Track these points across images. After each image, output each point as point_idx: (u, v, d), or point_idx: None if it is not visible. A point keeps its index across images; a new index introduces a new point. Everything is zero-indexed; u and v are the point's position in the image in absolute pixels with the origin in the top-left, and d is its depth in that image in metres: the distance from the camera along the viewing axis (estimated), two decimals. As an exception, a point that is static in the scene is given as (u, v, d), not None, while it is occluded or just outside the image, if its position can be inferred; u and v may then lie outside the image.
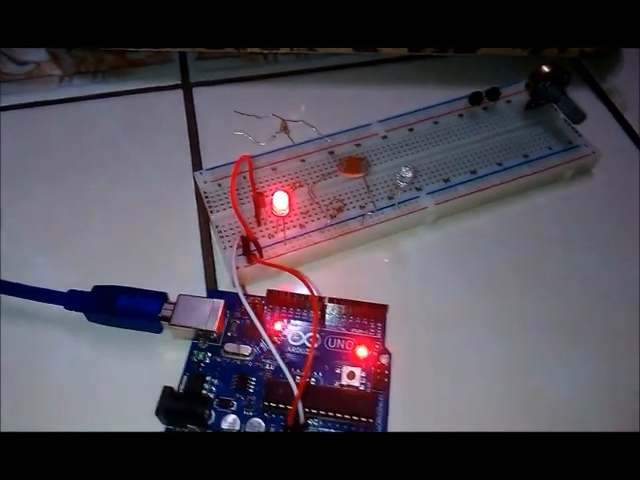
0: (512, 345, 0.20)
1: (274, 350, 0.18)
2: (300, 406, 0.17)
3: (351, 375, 0.19)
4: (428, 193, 0.23)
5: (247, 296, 0.20)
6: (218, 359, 0.19)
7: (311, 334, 0.20)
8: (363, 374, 0.19)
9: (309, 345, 0.19)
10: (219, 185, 0.23)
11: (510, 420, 0.18)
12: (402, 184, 0.21)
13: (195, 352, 0.19)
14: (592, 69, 0.30)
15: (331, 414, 0.18)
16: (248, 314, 0.19)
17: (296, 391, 0.17)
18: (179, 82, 0.28)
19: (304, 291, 0.20)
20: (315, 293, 0.19)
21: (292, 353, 0.19)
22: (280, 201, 0.20)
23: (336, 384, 0.19)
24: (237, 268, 0.20)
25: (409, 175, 0.21)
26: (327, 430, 0.18)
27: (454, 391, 0.19)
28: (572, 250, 0.23)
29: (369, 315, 0.20)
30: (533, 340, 0.20)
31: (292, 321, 0.20)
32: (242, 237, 0.20)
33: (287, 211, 0.21)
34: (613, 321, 0.21)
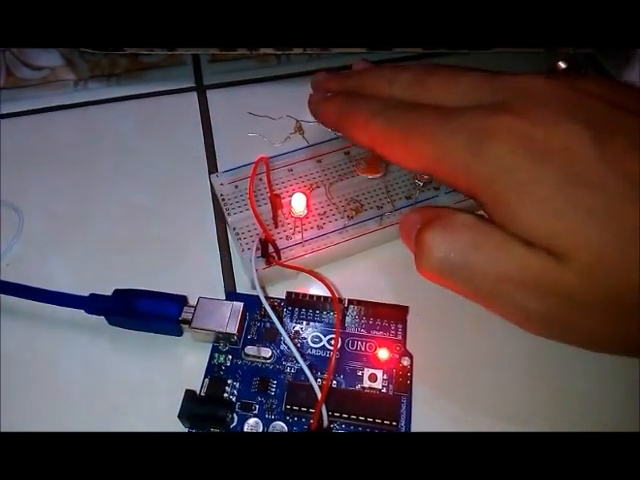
0: (535, 344, 0.20)
1: (296, 353, 0.18)
2: (324, 409, 0.17)
3: (373, 377, 0.19)
4: (446, 192, 0.23)
5: (267, 298, 0.20)
6: (239, 362, 0.19)
7: (331, 336, 0.19)
8: (385, 376, 0.19)
9: (329, 347, 0.19)
10: (236, 187, 0.23)
11: (534, 420, 0.18)
12: (420, 183, 0.21)
13: (216, 355, 0.19)
14: (608, 64, 0.30)
15: (354, 417, 0.17)
16: (267, 316, 0.19)
17: (319, 394, 0.17)
18: (193, 85, 0.28)
19: (322, 293, 0.20)
20: (336, 295, 0.19)
21: (312, 355, 0.19)
22: (299, 203, 0.20)
23: (358, 387, 0.18)
24: (256, 270, 0.20)
25: (427, 175, 0.21)
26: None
27: (477, 392, 0.19)
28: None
29: (390, 317, 0.20)
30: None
31: (312, 323, 0.20)
32: (260, 239, 0.20)
33: (305, 212, 0.20)
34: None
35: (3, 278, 0.20)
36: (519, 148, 0.15)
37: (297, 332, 0.20)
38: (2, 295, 0.20)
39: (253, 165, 0.22)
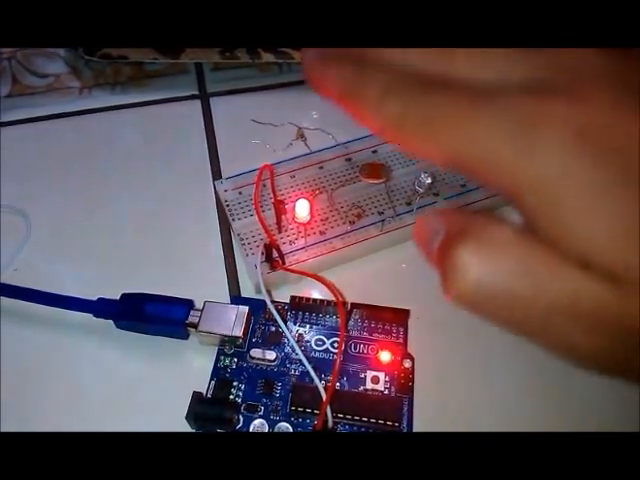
0: (534, 346, 0.20)
1: (302, 356, 0.18)
2: (329, 410, 0.17)
3: (375, 379, 0.19)
4: (445, 198, 0.23)
5: (271, 302, 0.20)
6: (244, 364, 0.19)
7: (334, 339, 0.20)
8: (387, 378, 0.19)
9: (332, 350, 0.20)
10: (240, 193, 0.23)
11: (535, 420, 0.19)
12: (421, 190, 0.22)
13: (221, 358, 0.20)
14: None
15: (357, 418, 0.18)
16: (272, 320, 0.20)
17: (324, 396, 0.17)
18: (196, 92, 0.29)
19: (325, 297, 0.20)
20: (340, 299, 0.20)
21: (316, 358, 0.20)
22: (302, 209, 0.21)
23: (361, 388, 0.19)
24: (262, 274, 0.20)
25: (428, 181, 0.21)
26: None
27: (477, 393, 0.19)
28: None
29: (391, 320, 0.20)
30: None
31: (315, 326, 0.20)
32: (265, 244, 0.21)
33: (309, 218, 0.21)
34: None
35: (12, 283, 0.21)
36: (579, 144, 0.12)
37: (301, 335, 0.20)
38: (11, 299, 0.20)
39: (257, 172, 0.23)
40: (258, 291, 0.21)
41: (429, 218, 0.16)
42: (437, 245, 0.14)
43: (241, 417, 0.18)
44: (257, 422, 0.18)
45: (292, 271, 0.21)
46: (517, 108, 0.13)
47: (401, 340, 0.20)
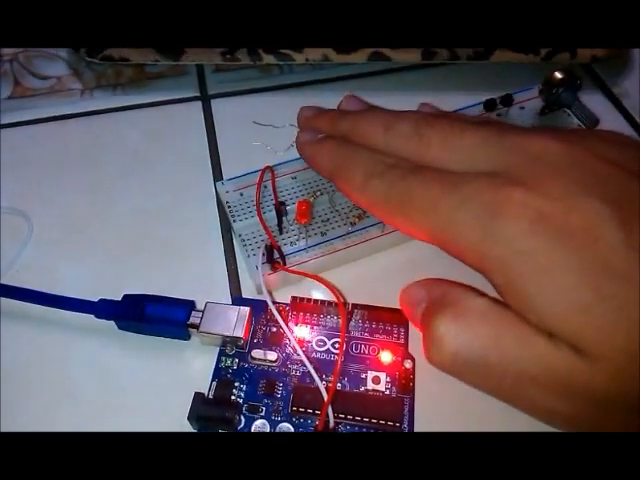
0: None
1: (303, 356, 0.18)
2: (330, 411, 0.17)
3: (376, 380, 0.19)
4: (446, 199, 0.23)
5: (273, 303, 0.20)
6: (245, 365, 0.19)
7: (335, 339, 0.20)
8: (388, 379, 0.19)
9: (334, 351, 0.20)
10: (241, 194, 0.24)
11: (535, 420, 0.19)
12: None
13: (223, 359, 0.20)
14: (603, 74, 0.30)
15: (358, 419, 0.18)
16: (274, 321, 0.20)
17: (326, 396, 0.17)
18: (197, 94, 0.29)
19: (326, 297, 0.21)
20: (341, 300, 0.20)
21: (317, 359, 0.20)
22: (303, 210, 0.21)
23: (362, 389, 0.19)
24: (263, 275, 0.20)
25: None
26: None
27: (477, 393, 0.19)
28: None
29: (392, 320, 0.20)
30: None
31: (316, 327, 0.20)
32: (266, 245, 0.21)
33: (310, 219, 0.21)
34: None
35: (13, 284, 0.21)
36: (536, 227, 0.13)
37: (302, 336, 0.20)
38: (13, 300, 0.20)
39: (259, 173, 0.23)
40: (259, 292, 0.21)
41: (413, 288, 0.17)
42: (420, 313, 0.15)
43: (242, 418, 0.18)
44: (258, 422, 0.18)
45: (293, 272, 0.21)
46: (482, 194, 0.14)
47: (402, 341, 0.20)
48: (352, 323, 0.20)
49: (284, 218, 0.22)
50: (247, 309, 0.20)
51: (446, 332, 0.14)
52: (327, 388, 0.18)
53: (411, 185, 0.15)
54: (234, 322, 0.19)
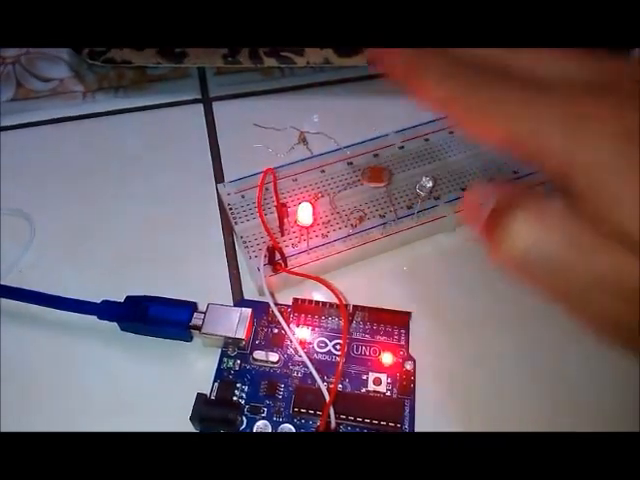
0: (536, 347, 0.20)
1: (306, 358, 0.18)
2: (332, 412, 0.17)
3: (377, 381, 0.19)
4: (446, 202, 0.23)
5: (275, 305, 0.20)
6: (247, 366, 0.20)
7: (337, 341, 0.20)
8: (389, 380, 0.19)
9: (335, 352, 0.20)
10: (242, 197, 0.24)
11: (535, 420, 0.19)
12: (422, 193, 0.22)
13: (225, 360, 0.20)
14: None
15: (359, 419, 0.18)
16: (275, 322, 0.20)
17: (327, 397, 0.17)
18: (199, 97, 0.29)
19: (327, 299, 0.21)
20: (343, 301, 0.20)
21: (318, 360, 0.20)
22: (305, 212, 0.21)
23: (363, 390, 0.19)
24: (264, 277, 0.20)
25: (429, 185, 0.21)
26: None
27: (477, 394, 0.19)
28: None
29: (393, 322, 0.21)
30: (558, 343, 0.20)
31: (317, 329, 0.21)
32: (268, 247, 0.21)
33: (311, 221, 0.21)
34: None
35: (16, 285, 0.21)
36: (627, 138, 0.13)
37: (303, 337, 0.20)
38: (16, 302, 0.20)
39: (261, 175, 0.23)
40: (261, 293, 0.21)
41: (480, 188, 0.16)
42: (486, 214, 0.15)
43: (244, 418, 0.18)
44: (260, 423, 0.18)
45: (294, 274, 0.21)
46: (574, 101, 0.14)
47: (403, 342, 0.20)
48: (353, 325, 0.21)
49: (285, 220, 0.22)
50: (249, 311, 0.20)
51: (522, 227, 0.14)
52: (329, 389, 0.18)
53: (494, 84, 0.15)
54: (236, 323, 0.19)
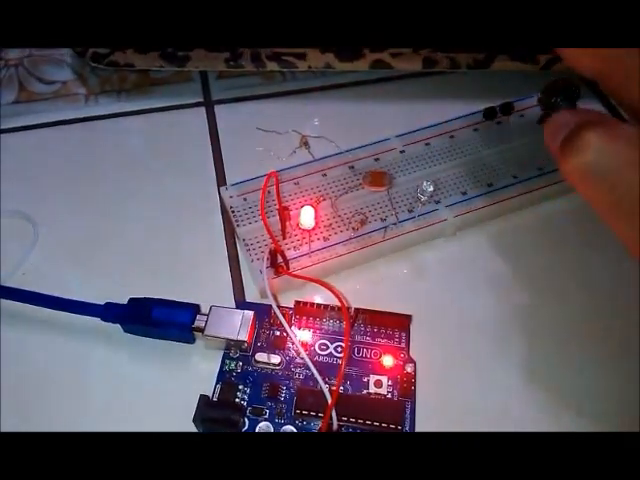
0: (534, 350, 0.21)
1: (308, 360, 0.19)
2: (334, 413, 0.18)
3: (378, 383, 0.19)
4: (447, 206, 0.24)
5: (277, 307, 0.21)
6: (249, 368, 0.20)
7: (338, 343, 0.20)
8: (390, 382, 0.19)
9: (336, 354, 0.20)
10: (244, 200, 0.24)
11: (535, 421, 0.19)
12: (423, 197, 0.22)
13: (227, 362, 0.20)
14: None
15: (360, 421, 0.18)
16: (277, 324, 0.20)
17: (330, 399, 0.18)
18: (201, 100, 0.29)
19: (328, 302, 0.21)
20: (345, 304, 0.20)
21: (319, 362, 0.20)
22: (307, 215, 0.21)
23: (364, 392, 0.19)
24: (267, 279, 0.21)
25: (430, 189, 0.22)
26: (357, 437, 0.18)
27: (478, 396, 0.20)
28: (585, 256, 0.23)
29: (394, 325, 0.21)
30: (556, 345, 0.21)
31: (318, 331, 0.21)
32: (270, 250, 0.21)
33: (313, 225, 0.21)
34: (621, 322, 0.21)
35: (20, 287, 0.21)
36: None
37: (305, 340, 0.20)
38: (19, 303, 0.20)
39: (264, 179, 0.23)
40: (263, 296, 0.21)
41: (564, 113, 0.17)
42: (565, 132, 0.15)
43: (247, 420, 0.19)
44: (262, 425, 0.18)
45: (296, 276, 0.21)
46: None
47: (403, 345, 0.20)
48: (354, 327, 0.21)
49: (287, 223, 0.23)
50: (251, 313, 0.20)
51: (594, 141, 0.14)
52: (331, 391, 0.18)
53: None
54: (238, 326, 0.20)
